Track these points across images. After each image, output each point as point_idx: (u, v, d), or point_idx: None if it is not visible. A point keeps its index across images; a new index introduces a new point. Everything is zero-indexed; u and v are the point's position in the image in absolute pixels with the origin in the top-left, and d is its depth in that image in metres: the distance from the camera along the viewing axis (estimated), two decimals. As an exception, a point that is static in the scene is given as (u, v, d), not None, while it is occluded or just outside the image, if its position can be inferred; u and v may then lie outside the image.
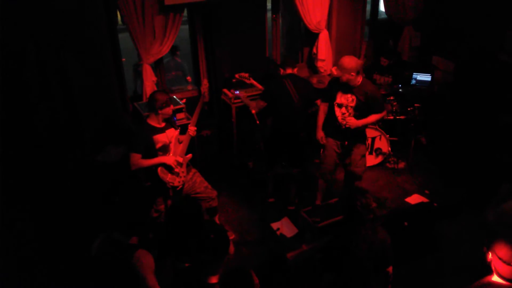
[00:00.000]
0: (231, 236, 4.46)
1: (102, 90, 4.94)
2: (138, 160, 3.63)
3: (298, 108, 4.43)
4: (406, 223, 3.99)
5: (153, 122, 3.72)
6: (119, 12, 4.80)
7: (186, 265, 2.79)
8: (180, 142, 3.89)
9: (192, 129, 3.85)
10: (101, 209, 4.00)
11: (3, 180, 3.81)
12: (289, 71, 4.47)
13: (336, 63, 6.34)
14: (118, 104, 5.19)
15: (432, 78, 5.99)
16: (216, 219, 4.36)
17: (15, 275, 3.53)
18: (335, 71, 3.93)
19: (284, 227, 4.45)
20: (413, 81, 6.02)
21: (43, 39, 4.34)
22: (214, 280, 2.43)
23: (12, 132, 4.24)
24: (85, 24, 4.58)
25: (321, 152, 4.55)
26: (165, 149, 3.78)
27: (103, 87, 4.95)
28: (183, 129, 3.94)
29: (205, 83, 4.03)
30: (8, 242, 3.61)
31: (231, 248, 2.72)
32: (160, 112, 3.67)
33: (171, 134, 3.81)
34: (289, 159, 4.64)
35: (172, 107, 3.76)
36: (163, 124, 3.77)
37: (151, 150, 3.69)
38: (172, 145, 3.81)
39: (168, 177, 3.77)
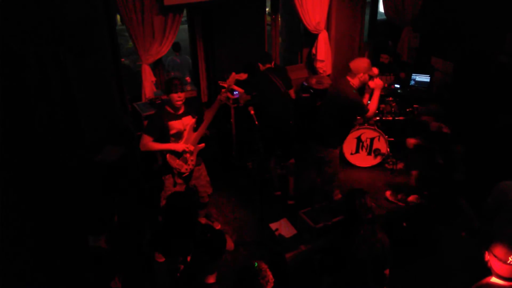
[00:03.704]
0: (217, 226, 4.55)
1: (102, 90, 4.95)
2: (149, 143, 3.70)
3: (286, 97, 4.69)
4: (404, 224, 3.99)
5: (170, 108, 3.75)
6: (119, 12, 4.81)
7: (182, 267, 2.78)
8: (195, 131, 3.90)
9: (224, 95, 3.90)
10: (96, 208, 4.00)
11: (2, 180, 3.81)
12: (268, 65, 4.70)
13: (334, 64, 6.39)
14: (117, 104, 5.20)
15: (431, 79, 6.00)
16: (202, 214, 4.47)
17: (14, 275, 3.53)
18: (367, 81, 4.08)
19: (283, 228, 4.45)
20: (412, 82, 6.03)
21: (42, 39, 4.34)
22: (211, 279, 2.43)
23: (12, 132, 4.24)
24: (84, 24, 4.59)
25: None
26: (178, 136, 3.81)
27: (103, 87, 4.96)
28: (200, 118, 3.93)
29: (233, 75, 4.04)
30: (8, 242, 3.61)
31: (230, 245, 2.71)
32: (169, 96, 3.69)
33: (187, 121, 3.83)
34: (283, 150, 4.79)
35: (180, 94, 3.66)
36: (180, 111, 3.78)
37: (164, 135, 3.74)
38: (186, 133, 3.83)
39: (175, 163, 3.82)
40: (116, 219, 3.93)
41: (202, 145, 3.94)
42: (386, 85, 5.72)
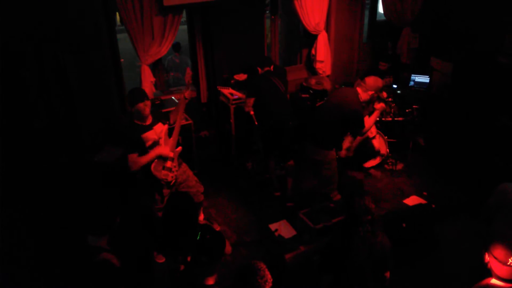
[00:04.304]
0: (217, 228, 4.52)
1: (100, 90, 4.94)
2: (136, 159, 3.60)
3: (286, 98, 4.83)
4: (404, 225, 3.99)
5: (138, 120, 3.67)
6: (118, 12, 4.80)
7: (182, 267, 2.78)
8: (169, 137, 3.84)
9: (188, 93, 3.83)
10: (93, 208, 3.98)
11: (1, 179, 3.80)
12: (266, 69, 4.75)
13: (334, 64, 6.40)
14: (116, 105, 5.19)
15: (430, 79, 6.00)
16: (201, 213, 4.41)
17: (13, 275, 3.52)
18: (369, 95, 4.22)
19: (282, 228, 4.45)
20: (412, 83, 6.03)
21: (42, 39, 4.34)
22: (211, 281, 2.43)
23: (11, 132, 4.23)
24: (84, 25, 4.59)
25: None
26: (155, 146, 3.74)
27: (102, 87, 4.95)
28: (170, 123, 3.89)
29: (188, 71, 3.98)
30: (7, 242, 3.60)
31: (228, 248, 2.71)
32: (134, 108, 3.58)
33: (160, 129, 3.76)
34: (282, 151, 4.83)
35: (146, 102, 3.58)
36: (149, 121, 3.71)
37: (142, 149, 3.67)
38: (162, 141, 3.76)
39: (161, 174, 3.75)
40: (118, 220, 3.92)
41: (179, 148, 3.87)
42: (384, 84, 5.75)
